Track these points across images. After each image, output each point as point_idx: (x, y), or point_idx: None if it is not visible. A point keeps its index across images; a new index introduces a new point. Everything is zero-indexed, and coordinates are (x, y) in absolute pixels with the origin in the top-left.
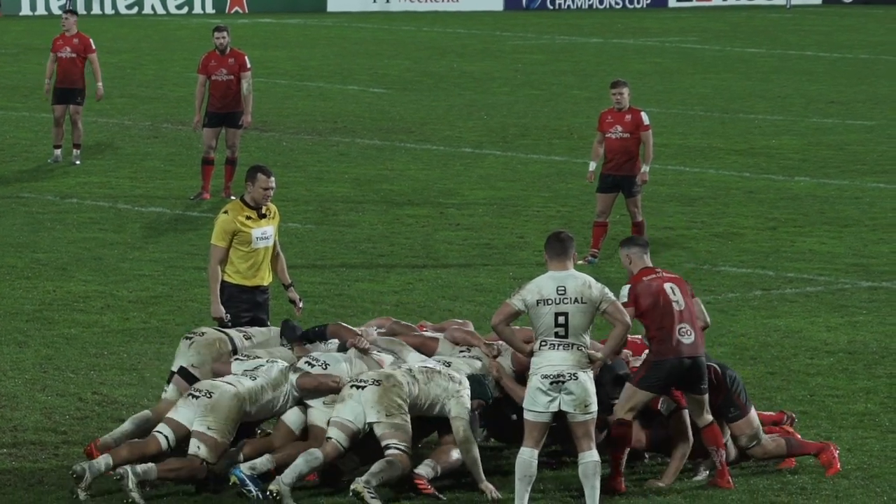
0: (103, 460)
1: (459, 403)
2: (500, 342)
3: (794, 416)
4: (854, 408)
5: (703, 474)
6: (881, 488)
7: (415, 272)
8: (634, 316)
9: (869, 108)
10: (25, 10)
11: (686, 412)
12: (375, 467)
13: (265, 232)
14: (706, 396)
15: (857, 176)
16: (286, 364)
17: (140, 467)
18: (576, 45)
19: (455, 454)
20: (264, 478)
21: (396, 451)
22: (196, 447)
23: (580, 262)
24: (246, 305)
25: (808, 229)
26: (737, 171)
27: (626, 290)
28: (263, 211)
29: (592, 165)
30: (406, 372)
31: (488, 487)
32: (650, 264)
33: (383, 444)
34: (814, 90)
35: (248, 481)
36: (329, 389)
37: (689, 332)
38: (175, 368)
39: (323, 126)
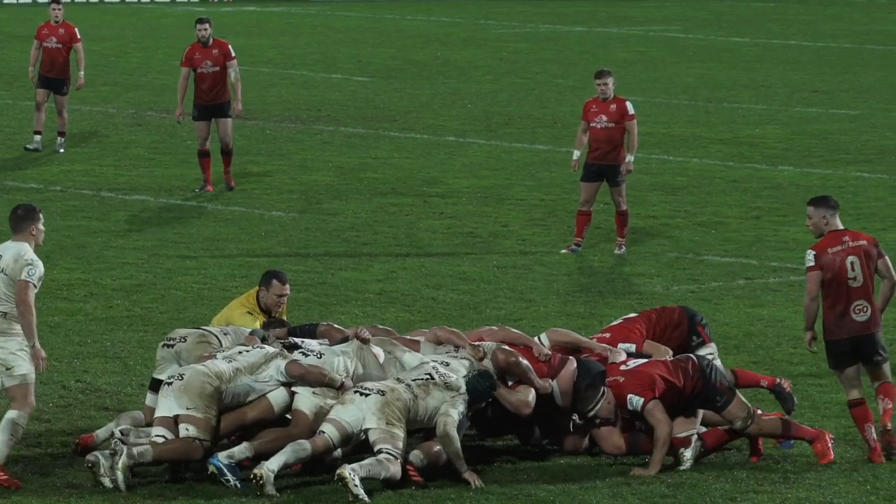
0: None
1: (449, 403)
2: (486, 343)
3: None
4: (837, 397)
5: (686, 463)
6: (864, 477)
7: (398, 261)
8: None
9: (852, 97)
10: None
11: (657, 401)
12: (364, 461)
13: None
14: (886, 365)
15: (840, 165)
16: (273, 350)
17: (136, 448)
18: (559, 33)
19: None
20: (242, 466)
21: (388, 456)
22: (185, 430)
23: (563, 251)
24: None
25: (792, 218)
26: (720, 161)
27: (811, 254)
28: (273, 314)
29: (576, 154)
30: (406, 388)
31: (472, 477)
32: (840, 227)
33: (376, 448)
34: (798, 79)
35: (225, 470)
36: (316, 380)
37: (864, 310)
38: (162, 376)
39: (307, 114)
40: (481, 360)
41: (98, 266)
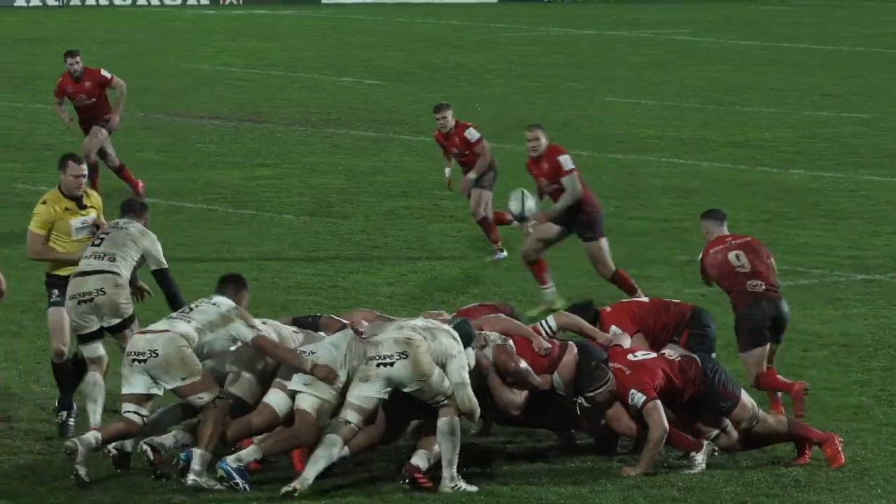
0: (92, 435)
1: (457, 366)
2: (487, 333)
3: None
4: (848, 401)
5: (698, 466)
6: (875, 481)
7: (409, 264)
8: (707, 283)
9: (863, 100)
10: (20, 0)
11: (658, 402)
12: (434, 450)
13: (85, 221)
14: (777, 347)
15: (851, 168)
16: (229, 307)
17: (199, 451)
18: (570, 36)
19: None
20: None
21: (447, 404)
22: (199, 398)
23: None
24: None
25: (803, 222)
26: (732, 164)
27: (699, 258)
28: (84, 201)
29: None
30: (418, 329)
31: (455, 484)
32: (725, 233)
33: (432, 402)
34: (808, 82)
35: (234, 474)
36: (285, 358)
37: (759, 285)
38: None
39: (317, 117)
40: (483, 348)
41: None
